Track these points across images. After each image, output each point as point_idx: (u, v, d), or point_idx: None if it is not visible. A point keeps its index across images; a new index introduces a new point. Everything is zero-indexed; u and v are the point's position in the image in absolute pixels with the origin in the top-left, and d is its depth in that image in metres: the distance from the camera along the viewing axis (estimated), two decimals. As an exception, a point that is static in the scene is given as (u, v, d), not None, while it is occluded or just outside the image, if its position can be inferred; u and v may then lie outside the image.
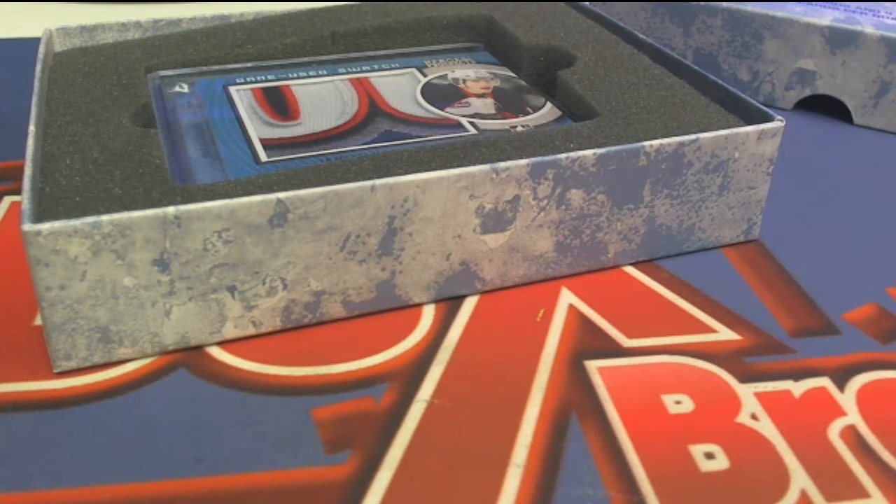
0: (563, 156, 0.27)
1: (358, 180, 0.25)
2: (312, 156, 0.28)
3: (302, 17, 0.37)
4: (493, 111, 0.32)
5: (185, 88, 0.32)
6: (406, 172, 0.25)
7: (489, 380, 0.25)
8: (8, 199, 0.33)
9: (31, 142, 0.26)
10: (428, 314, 0.27)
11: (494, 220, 0.27)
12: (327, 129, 0.30)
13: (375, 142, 0.30)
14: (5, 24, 0.49)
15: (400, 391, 0.24)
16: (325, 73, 0.34)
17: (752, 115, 0.31)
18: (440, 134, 0.30)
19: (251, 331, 0.26)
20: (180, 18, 0.36)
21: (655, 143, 0.28)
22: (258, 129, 0.30)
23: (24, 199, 0.23)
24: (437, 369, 0.25)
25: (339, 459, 0.22)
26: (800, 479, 0.22)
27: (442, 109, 0.32)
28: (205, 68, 0.34)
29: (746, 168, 0.30)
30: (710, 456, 0.23)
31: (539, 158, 0.26)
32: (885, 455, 0.23)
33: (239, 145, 0.29)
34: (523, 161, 0.26)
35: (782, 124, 0.30)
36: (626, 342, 0.27)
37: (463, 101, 0.33)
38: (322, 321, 0.26)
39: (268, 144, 0.29)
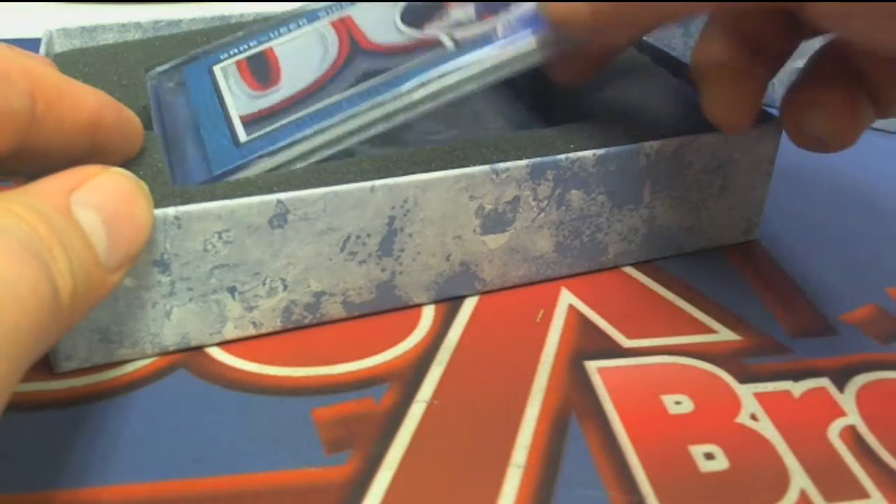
0: (562, 156, 0.27)
1: (358, 181, 0.25)
2: (290, 122, 0.27)
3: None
4: (472, 16, 0.30)
5: (173, 83, 0.31)
6: (406, 173, 0.25)
7: (489, 380, 0.25)
8: (8, 200, 0.33)
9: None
10: (428, 315, 0.27)
11: (494, 221, 0.27)
12: (306, 86, 0.29)
13: (353, 87, 0.28)
14: (5, 24, 0.49)
15: (400, 391, 0.24)
16: (305, 21, 0.32)
17: (751, 116, 0.31)
18: (418, 58, 0.28)
19: (251, 331, 0.26)
20: (180, 19, 0.36)
21: (655, 143, 0.28)
22: (239, 105, 0.29)
23: (25, 199, 0.23)
24: (437, 369, 0.25)
25: (339, 460, 0.22)
26: (799, 479, 0.22)
27: (421, 29, 0.30)
28: (192, 52, 0.33)
29: (746, 168, 0.30)
30: (709, 456, 0.23)
31: (539, 159, 0.26)
32: (885, 455, 0.23)
33: (220, 130, 0.28)
34: (523, 162, 0.26)
35: (782, 124, 0.30)
36: (626, 342, 0.27)
37: (441, 11, 0.31)
38: (322, 322, 0.26)
39: (247, 121, 0.28)
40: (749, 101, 0.27)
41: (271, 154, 0.26)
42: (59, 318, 0.17)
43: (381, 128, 0.27)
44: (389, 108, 0.26)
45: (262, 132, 0.27)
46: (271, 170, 0.26)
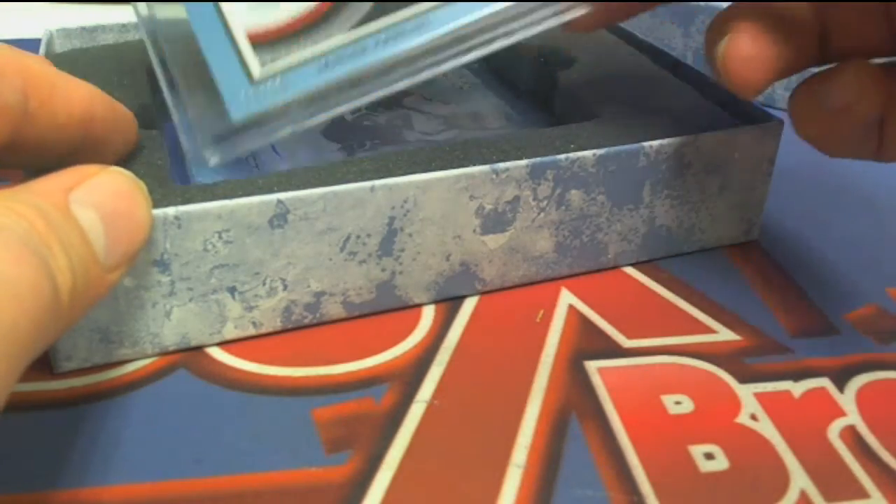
0: (562, 156, 0.27)
1: (358, 181, 0.25)
2: (308, 61, 0.24)
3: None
4: None
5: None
6: (406, 173, 0.25)
7: (489, 380, 0.25)
8: (8, 200, 0.33)
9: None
10: (428, 315, 0.27)
11: (494, 221, 0.27)
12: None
13: (371, 19, 0.24)
14: (5, 24, 0.49)
15: (400, 391, 0.24)
16: None
17: (751, 116, 0.31)
18: None
19: (251, 331, 0.26)
20: (180, 19, 0.36)
21: (655, 143, 0.28)
22: (242, 15, 0.25)
23: (25, 199, 0.23)
24: (437, 369, 0.25)
25: (339, 460, 0.22)
26: (799, 479, 0.22)
27: None
28: None
29: (746, 168, 0.30)
30: (709, 456, 0.23)
31: (539, 159, 0.26)
32: (885, 455, 0.23)
33: (227, 58, 0.25)
34: (523, 162, 0.26)
35: (782, 124, 0.30)
36: (626, 342, 0.27)
37: None
38: (322, 322, 0.26)
39: (256, 42, 0.25)
40: (781, 56, 0.24)
41: (295, 109, 0.24)
42: (58, 316, 0.17)
43: (404, 83, 0.24)
44: (420, 63, 0.24)
45: (275, 69, 0.24)
46: (294, 119, 0.24)
